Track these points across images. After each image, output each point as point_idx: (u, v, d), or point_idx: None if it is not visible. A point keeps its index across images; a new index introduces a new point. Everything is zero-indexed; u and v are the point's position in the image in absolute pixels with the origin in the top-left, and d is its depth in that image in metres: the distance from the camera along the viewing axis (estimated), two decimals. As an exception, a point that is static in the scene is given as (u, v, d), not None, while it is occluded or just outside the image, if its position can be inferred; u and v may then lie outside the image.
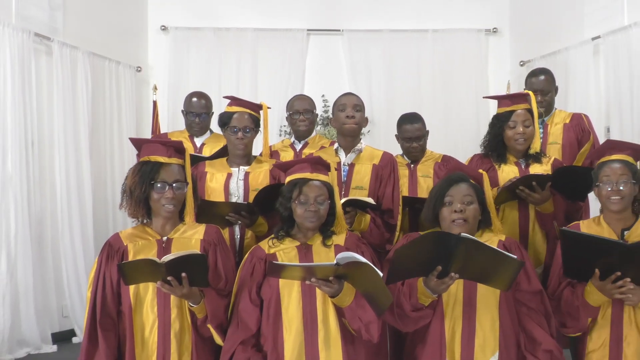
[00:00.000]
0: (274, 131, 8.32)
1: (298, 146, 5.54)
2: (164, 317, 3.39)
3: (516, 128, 4.47)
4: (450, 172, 3.89)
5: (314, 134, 5.72)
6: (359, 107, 4.52)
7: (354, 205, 4.21)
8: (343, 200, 4.09)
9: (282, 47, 9.05)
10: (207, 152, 5.48)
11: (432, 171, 5.25)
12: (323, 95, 8.46)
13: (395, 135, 5.39)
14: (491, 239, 3.57)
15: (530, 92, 4.67)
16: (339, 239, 3.65)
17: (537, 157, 4.55)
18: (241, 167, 4.39)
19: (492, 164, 4.57)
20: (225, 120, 4.37)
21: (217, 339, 3.47)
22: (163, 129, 7.92)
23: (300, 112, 5.50)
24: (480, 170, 3.93)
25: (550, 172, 4.42)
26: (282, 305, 3.42)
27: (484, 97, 5.20)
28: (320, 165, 3.71)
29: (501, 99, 4.70)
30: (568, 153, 5.25)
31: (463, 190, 3.59)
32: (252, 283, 3.51)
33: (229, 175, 4.36)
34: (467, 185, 3.63)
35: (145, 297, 3.40)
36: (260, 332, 3.47)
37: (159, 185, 3.43)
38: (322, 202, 3.57)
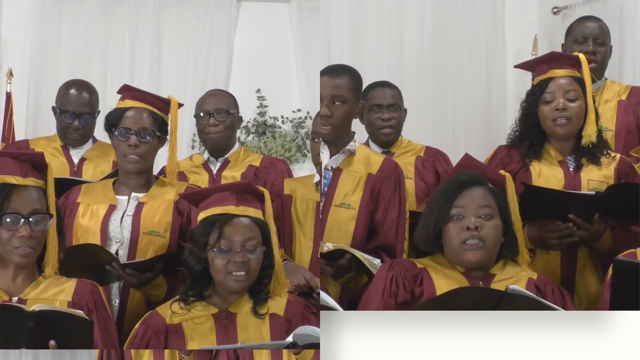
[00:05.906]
0: (184, 142, 5.31)
1: (215, 166, 3.75)
2: None
3: (554, 102, 2.87)
4: (458, 171, 2.65)
5: (236, 146, 3.84)
6: (341, 96, 2.87)
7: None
8: (333, 246, 2.62)
9: (199, 19, 5.67)
10: (89, 171, 3.91)
11: (412, 169, 3.74)
12: (258, 90, 5.41)
13: (359, 115, 3.30)
14: (518, 276, 2.33)
15: (581, 55, 2.97)
16: (277, 304, 2.34)
17: (593, 155, 2.90)
18: (133, 194, 2.85)
19: (523, 162, 2.97)
20: (114, 120, 2.88)
21: None
22: (19, 134, 5.18)
23: (210, 113, 3.71)
24: (502, 172, 2.68)
25: (612, 180, 2.94)
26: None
27: (515, 67, 3.44)
28: (249, 194, 2.42)
29: (534, 64, 3.10)
30: (624, 143, 3.74)
31: (479, 199, 2.35)
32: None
33: (112, 208, 2.84)
34: (484, 192, 2.38)
35: None
36: None
37: (8, 219, 2.16)
38: (253, 250, 2.28)
